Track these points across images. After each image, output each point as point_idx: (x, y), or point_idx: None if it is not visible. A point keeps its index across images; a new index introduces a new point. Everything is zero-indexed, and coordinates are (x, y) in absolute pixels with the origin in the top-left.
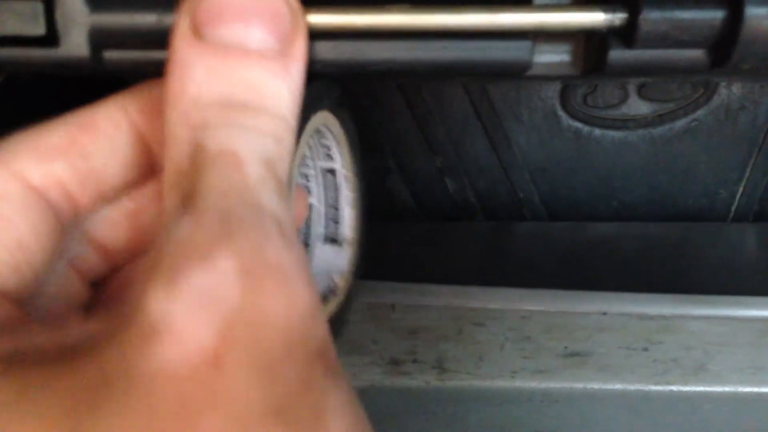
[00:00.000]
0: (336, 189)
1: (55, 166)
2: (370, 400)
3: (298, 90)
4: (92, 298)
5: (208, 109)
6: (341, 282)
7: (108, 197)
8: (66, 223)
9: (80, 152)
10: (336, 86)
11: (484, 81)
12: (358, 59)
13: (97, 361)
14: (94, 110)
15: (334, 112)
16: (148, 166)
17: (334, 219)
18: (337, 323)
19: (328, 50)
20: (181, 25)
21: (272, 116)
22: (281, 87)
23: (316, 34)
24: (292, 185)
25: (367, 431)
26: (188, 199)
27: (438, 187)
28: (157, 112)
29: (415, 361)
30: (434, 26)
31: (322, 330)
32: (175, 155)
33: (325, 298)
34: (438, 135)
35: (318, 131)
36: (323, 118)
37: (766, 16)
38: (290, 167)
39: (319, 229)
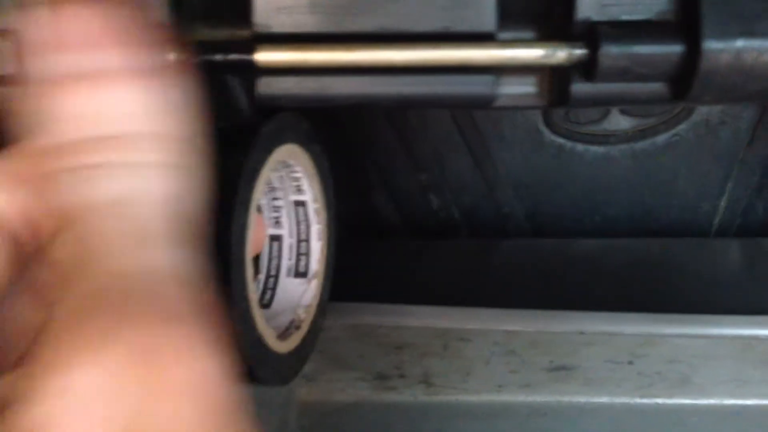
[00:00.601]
0: (307, 222)
1: (17, 194)
2: (357, 416)
3: (176, 107)
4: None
5: (75, 154)
6: (305, 316)
7: None
8: (29, 248)
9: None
10: (303, 120)
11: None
12: (323, 94)
13: None
14: None
15: (302, 145)
16: None
17: (303, 252)
18: (297, 359)
19: (292, 85)
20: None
21: (150, 143)
22: (147, 107)
23: (280, 70)
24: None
25: None
26: (74, 271)
27: (422, 204)
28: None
29: (401, 376)
30: (398, 61)
31: (238, 425)
32: (54, 214)
33: (287, 331)
34: (422, 152)
35: (286, 164)
36: (289, 152)
37: (723, 50)
38: (193, 201)
39: (287, 262)
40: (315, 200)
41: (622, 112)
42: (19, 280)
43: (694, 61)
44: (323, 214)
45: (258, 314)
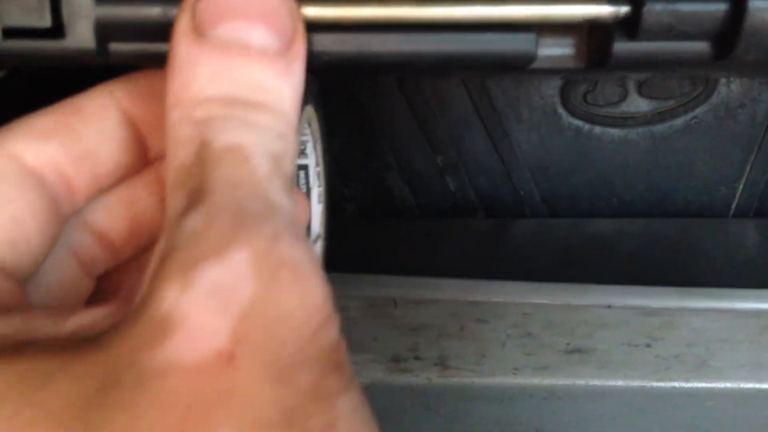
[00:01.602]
0: (307, 186)
1: (48, 146)
2: (371, 398)
3: (300, 88)
4: (96, 292)
5: (212, 106)
6: None
7: (104, 181)
8: (63, 205)
9: (70, 133)
10: (315, 81)
11: (488, 75)
12: (363, 52)
13: (107, 354)
14: (81, 95)
15: (315, 107)
16: (140, 151)
17: None
18: None
19: (332, 43)
20: (181, 23)
21: (276, 113)
22: (283, 85)
23: (319, 27)
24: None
25: None
26: (197, 194)
27: (438, 186)
28: (145, 97)
29: (416, 358)
30: (438, 19)
31: (335, 331)
32: (179, 153)
33: None
34: (438, 133)
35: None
36: (308, 113)
37: None
38: (294, 165)
39: None
40: (317, 164)
41: (641, 94)
42: (58, 233)
43: (739, 18)
44: (323, 177)
45: None
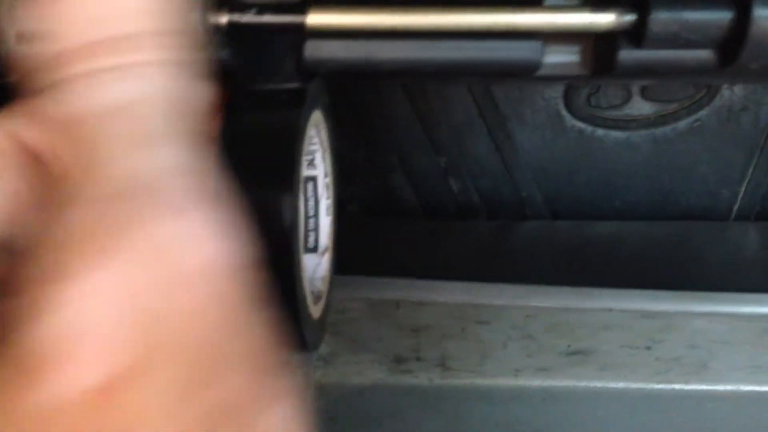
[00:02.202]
0: (316, 198)
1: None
2: (373, 398)
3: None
4: None
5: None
6: (323, 287)
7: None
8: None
9: None
10: (325, 92)
11: (493, 81)
12: (369, 58)
13: None
14: None
15: (324, 114)
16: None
17: (313, 228)
18: (322, 324)
19: (338, 50)
20: None
21: (139, 39)
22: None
23: (326, 34)
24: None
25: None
26: (77, 184)
27: (442, 187)
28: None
29: (418, 359)
30: (445, 26)
31: (253, 338)
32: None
33: (314, 303)
34: (442, 135)
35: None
36: (317, 119)
37: None
38: (196, 98)
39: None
40: (326, 174)
41: (644, 97)
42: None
43: (743, 27)
44: (332, 189)
45: (303, 277)
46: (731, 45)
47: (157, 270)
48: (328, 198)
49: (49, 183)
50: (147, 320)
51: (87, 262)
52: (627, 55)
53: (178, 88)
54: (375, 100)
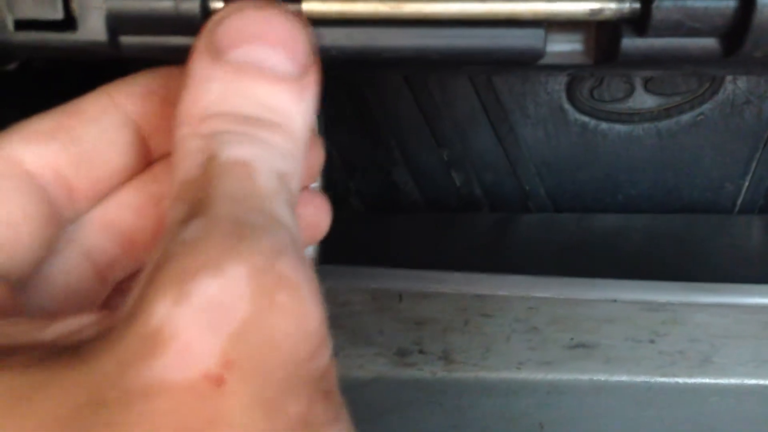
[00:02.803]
0: None
1: (47, 149)
2: (376, 391)
3: (311, 115)
4: (114, 297)
5: (221, 121)
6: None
7: (105, 184)
8: (63, 208)
9: (70, 136)
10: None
11: (497, 71)
12: (370, 46)
13: (92, 367)
14: (81, 98)
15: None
16: (143, 153)
17: None
18: None
19: (339, 38)
20: (200, 44)
21: (284, 134)
22: (295, 109)
23: (326, 22)
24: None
25: None
26: (198, 205)
27: (444, 180)
28: (146, 98)
29: (421, 351)
30: (448, 14)
31: (326, 358)
32: (185, 167)
33: None
34: (444, 128)
35: None
36: None
37: None
38: (299, 185)
39: None
40: None
41: (647, 90)
42: (61, 243)
43: (747, 15)
44: (319, 180)
45: None
46: (735, 33)
47: (258, 292)
48: (316, 182)
49: (53, 207)
50: (239, 332)
51: (198, 270)
52: (630, 43)
53: (289, 171)
54: (377, 94)
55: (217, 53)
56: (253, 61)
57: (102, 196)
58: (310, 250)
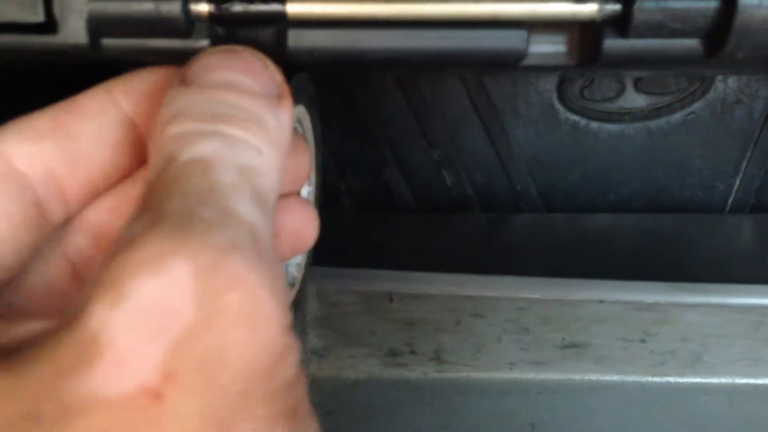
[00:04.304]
0: None
1: (40, 147)
2: (367, 392)
3: (286, 127)
4: None
5: (184, 122)
6: (297, 273)
7: (99, 183)
8: (52, 208)
9: (65, 133)
10: (311, 83)
11: (480, 73)
12: (353, 48)
13: (30, 375)
14: (79, 95)
15: (308, 108)
16: (138, 153)
17: None
18: (295, 314)
19: (321, 39)
20: (173, 82)
21: (254, 127)
22: (266, 112)
23: (309, 23)
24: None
25: None
26: (148, 204)
27: (435, 180)
28: (144, 96)
29: (412, 352)
30: (429, 15)
31: (290, 368)
32: (149, 171)
33: None
34: (436, 128)
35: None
36: (299, 113)
37: (759, 6)
38: (275, 188)
39: None
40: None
41: (638, 89)
42: (46, 243)
43: (729, 16)
44: (314, 177)
45: None
46: (717, 34)
47: (204, 294)
48: (309, 185)
49: (39, 207)
50: (181, 339)
51: (137, 269)
52: (612, 44)
53: (259, 168)
54: (368, 94)
55: (188, 82)
56: (221, 81)
57: (95, 196)
58: (299, 259)
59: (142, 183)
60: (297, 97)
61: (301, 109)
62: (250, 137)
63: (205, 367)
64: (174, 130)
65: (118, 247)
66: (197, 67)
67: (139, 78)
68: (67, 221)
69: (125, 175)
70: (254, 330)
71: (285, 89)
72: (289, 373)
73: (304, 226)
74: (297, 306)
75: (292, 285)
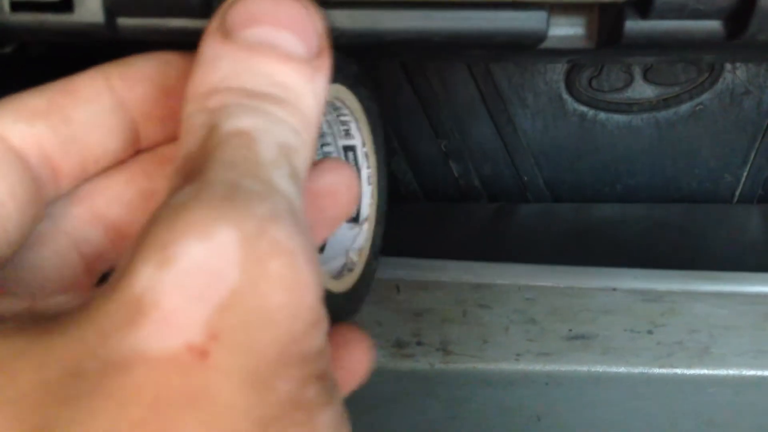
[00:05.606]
0: (356, 167)
1: (35, 127)
2: (373, 383)
3: (321, 99)
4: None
5: (227, 95)
6: (357, 258)
7: (91, 167)
8: (46, 188)
9: (60, 115)
10: (352, 63)
11: (498, 56)
12: (374, 28)
13: (71, 337)
14: (75, 77)
15: (351, 87)
16: (131, 139)
17: None
18: (352, 300)
19: (343, 19)
20: (211, 26)
21: (293, 109)
22: (305, 87)
23: (331, 3)
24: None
25: None
26: (192, 174)
27: (442, 171)
28: (141, 82)
29: (419, 343)
30: None
31: (321, 337)
32: (187, 141)
33: (340, 274)
34: (443, 118)
35: (335, 107)
36: (336, 91)
37: None
38: (307, 167)
39: None
40: (364, 144)
41: (646, 80)
42: (37, 217)
43: None
44: (373, 158)
45: None
46: (739, 16)
47: (248, 260)
48: (368, 167)
49: (38, 186)
50: (224, 301)
51: (184, 233)
52: (633, 26)
53: (296, 147)
54: (375, 85)
55: (227, 33)
56: (264, 41)
57: (86, 178)
58: (360, 243)
59: (179, 152)
60: (334, 77)
61: (340, 89)
62: (290, 118)
63: (249, 327)
64: (216, 102)
65: (162, 214)
66: (239, 15)
67: (136, 63)
68: (64, 211)
69: (116, 159)
70: (293, 295)
71: (325, 44)
72: (320, 340)
73: (357, 360)
74: (356, 294)
75: (350, 270)
